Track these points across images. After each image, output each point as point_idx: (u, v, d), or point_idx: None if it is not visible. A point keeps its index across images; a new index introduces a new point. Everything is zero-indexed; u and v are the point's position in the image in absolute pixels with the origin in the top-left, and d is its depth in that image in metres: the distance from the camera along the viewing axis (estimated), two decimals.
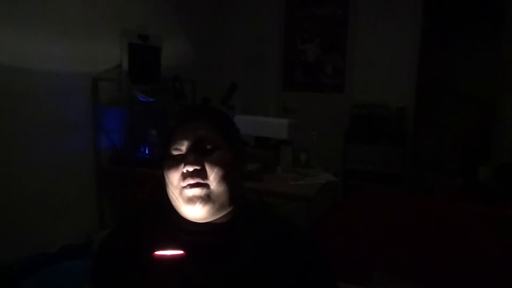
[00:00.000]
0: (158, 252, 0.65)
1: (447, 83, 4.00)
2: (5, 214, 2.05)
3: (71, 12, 2.35)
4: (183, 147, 0.86)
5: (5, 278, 1.95)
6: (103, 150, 2.63)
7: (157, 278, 0.65)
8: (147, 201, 1.08)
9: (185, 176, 0.82)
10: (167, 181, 0.86)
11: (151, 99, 2.69)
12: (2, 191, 2.04)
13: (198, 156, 0.84)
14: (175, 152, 0.86)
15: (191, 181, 0.82)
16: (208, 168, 0.83)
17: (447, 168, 3.75)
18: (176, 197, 0.85)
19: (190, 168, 0.81)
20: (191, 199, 0.82)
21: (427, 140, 3.98)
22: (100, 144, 2.60)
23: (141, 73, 2.73)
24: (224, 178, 0.84)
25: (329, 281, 0.84)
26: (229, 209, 0.88)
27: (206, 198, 0.82)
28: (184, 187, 0.82)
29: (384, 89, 3.81)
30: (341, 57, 4.02)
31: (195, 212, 0.83)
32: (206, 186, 0.83)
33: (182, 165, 0.83)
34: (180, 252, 0.65)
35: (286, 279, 0.78)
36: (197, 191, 0.82)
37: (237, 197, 0.89)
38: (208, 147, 0.85)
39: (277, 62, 4.23)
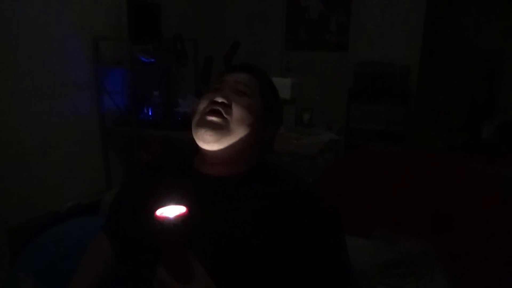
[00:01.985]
0: (159, 213, 0.63)
1: (452, 40, 3.91)
2: (14, 177, 2.08)
3: None
4: (221, 84, 0.93)
5: (18, 236, 2.02)
6: (106, 111, 2.63)
7: (161, 238, 0.63)
8: (156, 157, 1.10)
9: (211, 104, 0.88)
10: (197, 109, 0.92)
11: (152, 59, 2.65)
12: (10, 154, 2.06)
13: (231, 93, 0.89)
14: (214, 87, 0.94)
15: (214, 107, 0.87)
16: (234, 107, 0.87)
17: (451, 126, 3.75)
18: (196, 121, 0.89)
19: (219, 99, 0.87)
20: (207, 122, 0.86)
21: (432, 98, 3.94)
22: (104, 105, 2.60)
23: (141, 32, 2.68)
24: (245, 122, 0.87)
25: (335, 232, 0.86)
26: (242, 165, 0.90)
27: (219, 129, 0.85)
28: (206, 112, 0.87)
29: (389, 46, 3.74)
30: (345, 13, 3.91)
31: (205, 137, 0.86)
32: (225, 119, 0.86)
33: (215, 95, 0.88)
34: (183, 210, 0.63)
35: (297, 234, 0.80)
36: (214, 118, 0.86)
37: (254, 150, 0.92)
38: (243, 91, 0.91)
39: (280, 20, 4.14)
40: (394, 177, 2.51)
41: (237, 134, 0.87)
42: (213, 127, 0.85)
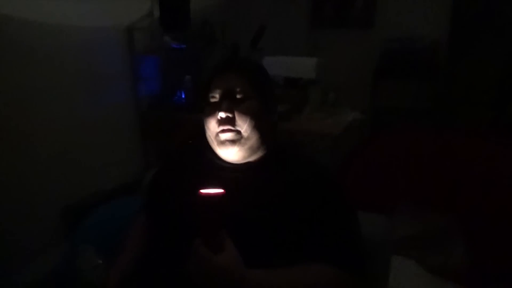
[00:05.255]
0: (202, 191, 0.78)
1: (484, 16, 3.79)
2: (63, 161, 2.26)
3: None
4: (217, 95, 1.00)
5: (69, 215, 2.22)
6: (142, 98, 2.78)
7: (201, 213, 0.77)
8: (188, 143, 1.23)
9: (219, 122, 0.97)
10: (206, 126, 1.01)
11: (183, 46, 2.77)
12: (57, 142, 2.22)
13: (230, 104, 0.97)
14: (212, 100, 1.01)
15: (224, 127, 0.96)
16: (237, 116, 0.97)
17: (480, 102, 3.68)
18: (212, 140, 1.01)
19: (223, 115, 0.96)
20: (223, 142, 0.98)
21: (461, 75, 3.87)
22: (139, 92, 2.75)
23: (172, 20, 2.79)
24: (252, 125, 0.97)
25: (346, 216, 0.96)
26: (260, 152, 1.02)
27: (236, 141, 0.97)
28: (219, 132, 0.97)
29: (418, 22, 3.67)
30: None
31: (227, 153, 0.99)
32: (237, 131, 0.97)
33: (217, 111, 0.97)
34: (221, 190, 0.78)
35: (309, 213, 0.92)
36: (228, 135, 0.97)
37: (268, 141, 1.02)
38: (238, 96, 0.98)
39: None
40: (420, 157, 2.53)
41: (249, 137, 0.97)
42: (232, 144, 0.97)
